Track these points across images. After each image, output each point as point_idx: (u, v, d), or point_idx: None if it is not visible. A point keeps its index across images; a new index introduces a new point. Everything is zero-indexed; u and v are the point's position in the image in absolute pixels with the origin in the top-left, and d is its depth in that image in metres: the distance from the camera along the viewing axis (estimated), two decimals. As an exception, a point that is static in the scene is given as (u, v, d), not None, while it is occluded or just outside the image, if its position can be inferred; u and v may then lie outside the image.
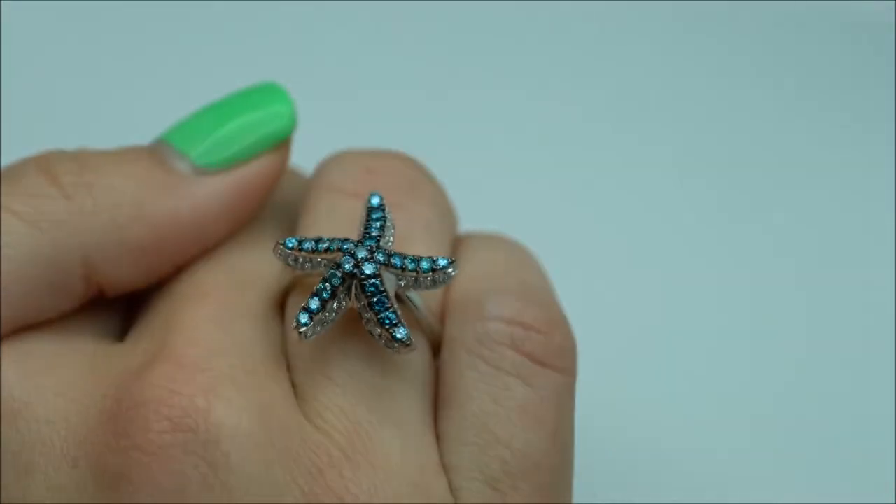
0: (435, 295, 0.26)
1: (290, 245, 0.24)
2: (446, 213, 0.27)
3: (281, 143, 0.27)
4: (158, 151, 0.26)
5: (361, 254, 0.24)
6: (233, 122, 0.27)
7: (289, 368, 0.24)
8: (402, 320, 0.23)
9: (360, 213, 0.25)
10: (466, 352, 0.24)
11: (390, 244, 0.25)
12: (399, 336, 0.23)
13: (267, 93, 0.27)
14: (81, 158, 0.26)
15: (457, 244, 0.28)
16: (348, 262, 0.24)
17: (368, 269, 0.24)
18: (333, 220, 0.26)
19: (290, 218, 0.27)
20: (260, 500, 0.22)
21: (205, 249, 0.26)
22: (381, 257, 0.24)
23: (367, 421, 0.24)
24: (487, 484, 0.24)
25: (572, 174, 0.40)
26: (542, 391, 0.24)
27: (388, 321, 0.23)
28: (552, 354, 0.24)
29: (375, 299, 0.23)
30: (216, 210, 0.26)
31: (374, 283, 0.24)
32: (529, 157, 0.40)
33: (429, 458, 0.24)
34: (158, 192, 0.26)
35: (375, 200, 0.25)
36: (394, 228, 0.25)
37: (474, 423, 0.24)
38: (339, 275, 0.24)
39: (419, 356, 0.25)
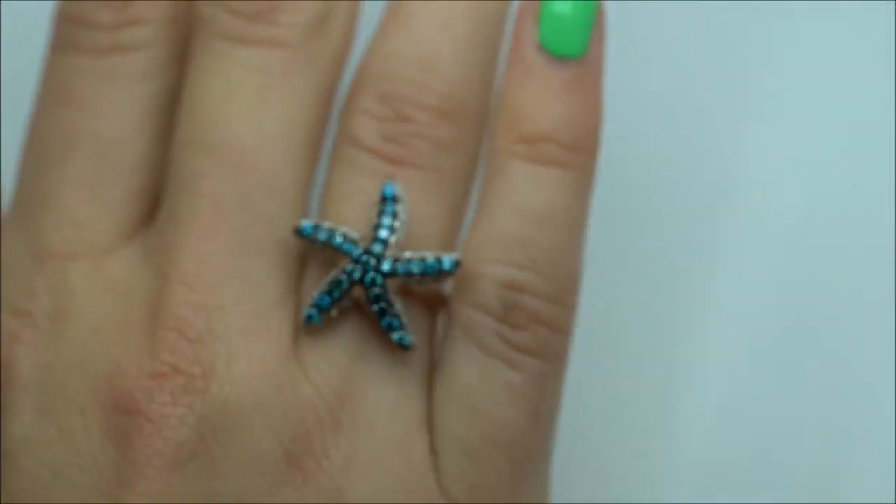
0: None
1: (307, 233, 0.26)
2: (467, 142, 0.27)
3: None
4: None
5: (369, 262, 0.26)
6: None
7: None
8: (405, 325, 0.26)
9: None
10: (461, 329, 0.26)
11: (401, 241, 0.26)
12: (397, 340, 0.26)
13: None
14: None
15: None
16: (357, 272, 0.26)
17: (374, 280, 0.26)
18: (357, 178, 0.27)
19: None
20: (240, 467, 0.25)
21: None
22: (386, 267, 0.26)
23: (361, 376, 0.26)
24: (463, 452, 0.26)
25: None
26: (527, 374, 0.26)
27: (390, 326, 0.26)
28: (540, 346, 0.26)
29: (377, 308, 0.26)
30: None
31: (377, 294, 0.26)
32: None
33: (415, 416, 0.26)
34: None
35: (389, 191, 0.26)
36: (408, 222, 0.26)
37: (460, 394, 0.26)
38: (348, 281, 0.26)
39: (424, 313, 0.27)
